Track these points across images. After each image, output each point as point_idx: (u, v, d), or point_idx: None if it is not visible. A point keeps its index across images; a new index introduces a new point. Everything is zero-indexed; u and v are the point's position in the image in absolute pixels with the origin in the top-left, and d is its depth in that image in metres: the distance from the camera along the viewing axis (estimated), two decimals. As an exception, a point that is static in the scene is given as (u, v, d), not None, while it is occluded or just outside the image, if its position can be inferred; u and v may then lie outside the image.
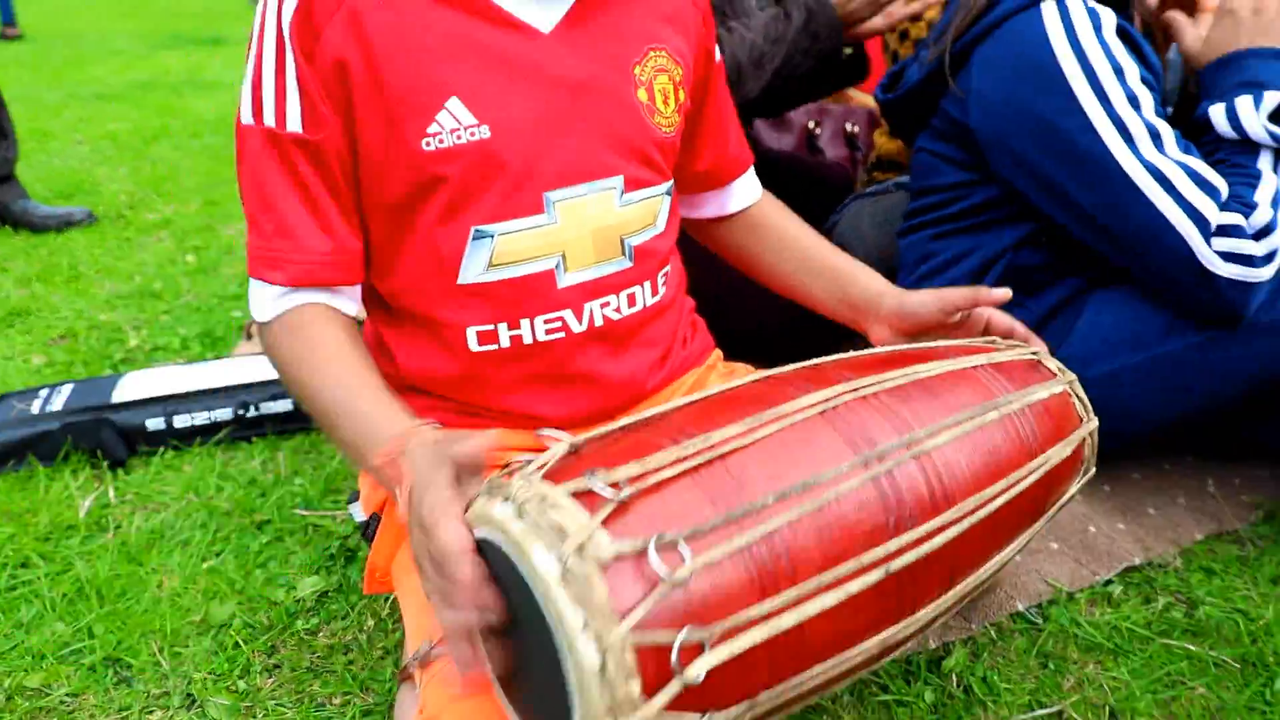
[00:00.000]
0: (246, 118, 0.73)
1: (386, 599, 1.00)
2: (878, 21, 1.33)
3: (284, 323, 0.75)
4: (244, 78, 0.73)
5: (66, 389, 1.33)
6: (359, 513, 1.00)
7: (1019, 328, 0.86)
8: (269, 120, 0.72)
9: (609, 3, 0.78)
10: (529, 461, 0.59)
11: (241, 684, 0.89)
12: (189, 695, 0.88)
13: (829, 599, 0.57)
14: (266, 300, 0.75)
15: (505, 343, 0.79)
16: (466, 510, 0.57)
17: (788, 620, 0.55)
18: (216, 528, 1.12)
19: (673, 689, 0.51)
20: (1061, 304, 1.19)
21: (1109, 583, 1.05)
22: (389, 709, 0.86)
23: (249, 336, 1.64)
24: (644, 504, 0.55)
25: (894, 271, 1.33)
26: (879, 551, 0.59)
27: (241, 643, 0.94)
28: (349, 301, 0.79)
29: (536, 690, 0.58)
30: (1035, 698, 0.89)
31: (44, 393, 1.32)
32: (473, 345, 0.79)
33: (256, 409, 1.31)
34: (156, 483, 1.22)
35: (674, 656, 0.51)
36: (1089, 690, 0.90)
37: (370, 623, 0.97)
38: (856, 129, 1.92)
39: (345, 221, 0.76)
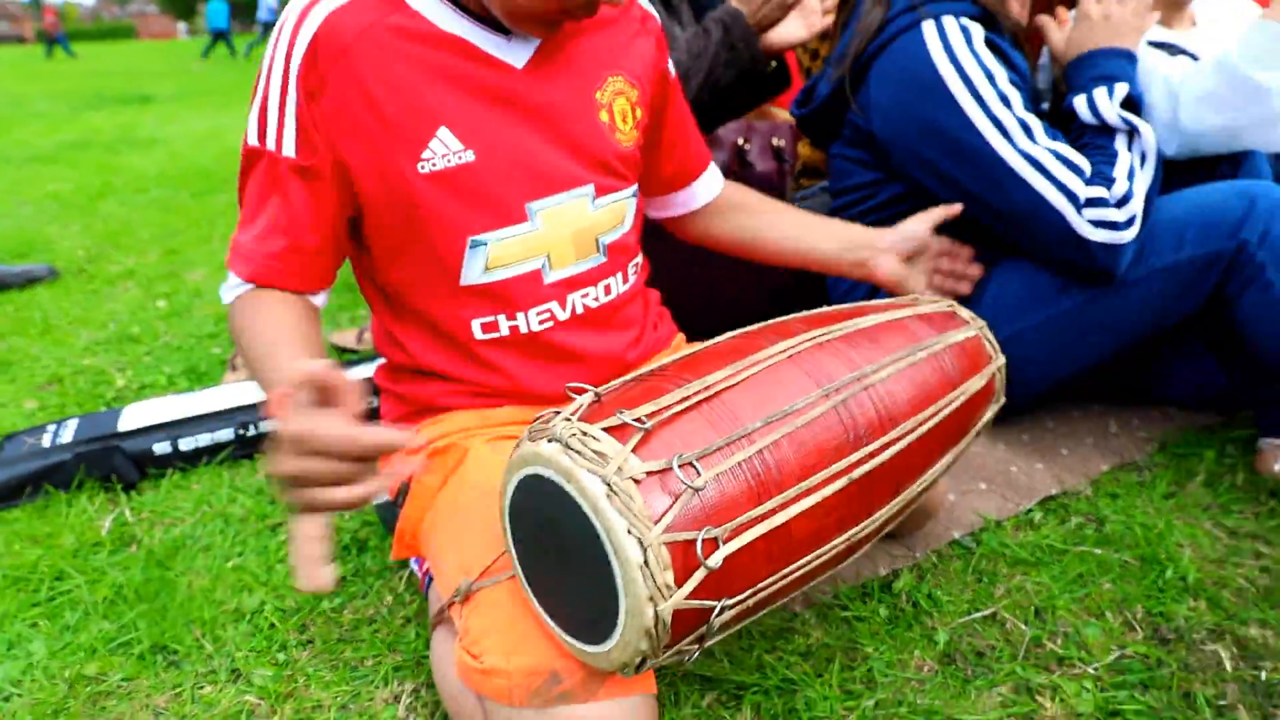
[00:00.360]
0: (252, 139, 0.85)
1: (401, 575, 1.12)
2: (798, 31, 1.48)
3: (241, 299, 0.86)
4: (252, 105, 0.85)
5: (72, 423, 1.42)
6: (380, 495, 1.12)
7: (957, 248, 1.11)
8: (270, 144, 0.84)
9: (570, 40, 0.93)
10: (557, 413, 0.73)
11: (280, 656, 0.99)
12: (234, 670, 0.98)
13: (808, 502, 0.71)
14: (231, 288, 0.87)
15: (505, 331, 0.93)
16: (511, 454, 0.71)
17: (779, 519, 0.70)
18: (234, 533, 1.22)
19: (699, 576, 0.65)
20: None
21: (1030, 511, 1.22)
22: (415, 664, 0.98)
23: (234, 368, 1.74)
24: (662, 433, 0.69)
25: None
26: (843, 463, 0.74)
27: (275, 623, 1.04)
28: (312, 297, 0.90)
29: (576, 602, 0.71)
30: (973, 605, 1.04)
31: (51, 428, 1.41)
32: (477, 335, 0.93)
33: (256, 428, 1.41)
34: (169, 500, 1.31)
35: (698, 549, 0.65)
36: (1017, 595, 1.06)
37: (389, 598, 1.09)
38: (782, 143, 2.10)
39: (315, 236, 0.87)
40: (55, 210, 3.51)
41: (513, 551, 0.78)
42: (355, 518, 1.24)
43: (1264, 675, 0.93)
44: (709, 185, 1.16)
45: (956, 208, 1.12)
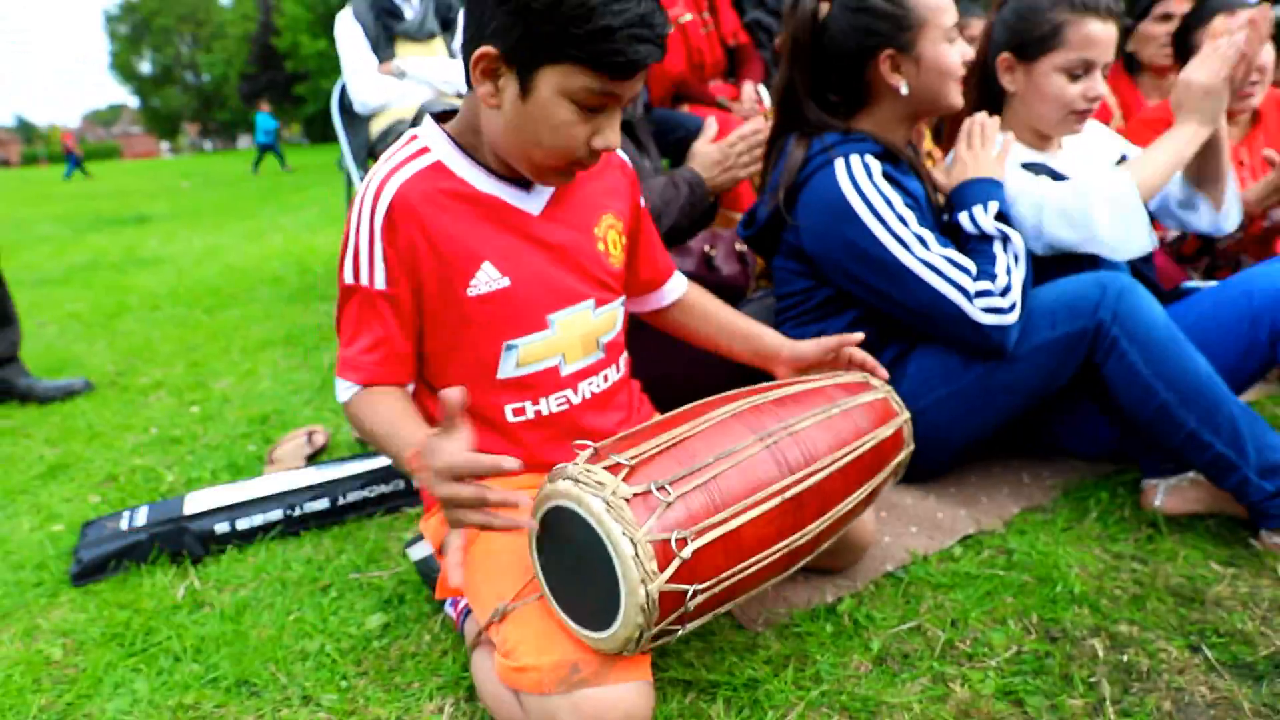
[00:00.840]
0: (349, 279, 1.14)
1: (435, 620, 1.35)
2: (729, 183, 1.87)
3: (356, 400, 1.15)
4: (345, 252, 1.14)
5: (143, 509, 1.66)
6: (418, 552, 1.37)
7: (868, 359, 1.33)
8: (364, 281, 1.13)
9: (572, 192, 1.23)
10: (566, 465, 1.00)
11: (342, 684, 1.22)
12: (305, 696, 1.20)
13: (752, 514, 0.99)
14: (345, 389, 1.15)
15: (530, 415, 1.21)
16: (538, 494, 0.99)
17: (731, 525, 0.97)
18: (291, 594, 1.45)
19: (675, 564, 0.92)
20: (893, 361, 1.66)
21: (951, 547, 1.48)
22: (454, 683, 1.21)
23: (271, 462, 1.99)
24: (643, 469, 0.97)
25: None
26: (776, 486, 1.02)
27: (336, 659, 1.27)
28: (406, 388, 1.20)
29: (588, 599, 0.97)
30: (901, 620, 1.29)
31: (126, 514, 1.65)
32: (509, 418, 1.21)
33: (301, 509, 1.66)
34: (231, 570, 1.55)
35: (674, 545, 0.92)
36: (937, 611, 1.30)
37: (428, 637, 1.32)
38: (744, 249, 2.43)
39: (406, 344, 1.17)
40: (78, 329, 3.77)
41: (540, 573, 1.03)
42: (394, 577, 1.48)
43: (1126, 658, 1.18)
44: (675, 288, 1.46)
45: (854, 337, 1.32)
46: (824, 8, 1.60)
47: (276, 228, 6.75)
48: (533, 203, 1.19)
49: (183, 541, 1.57)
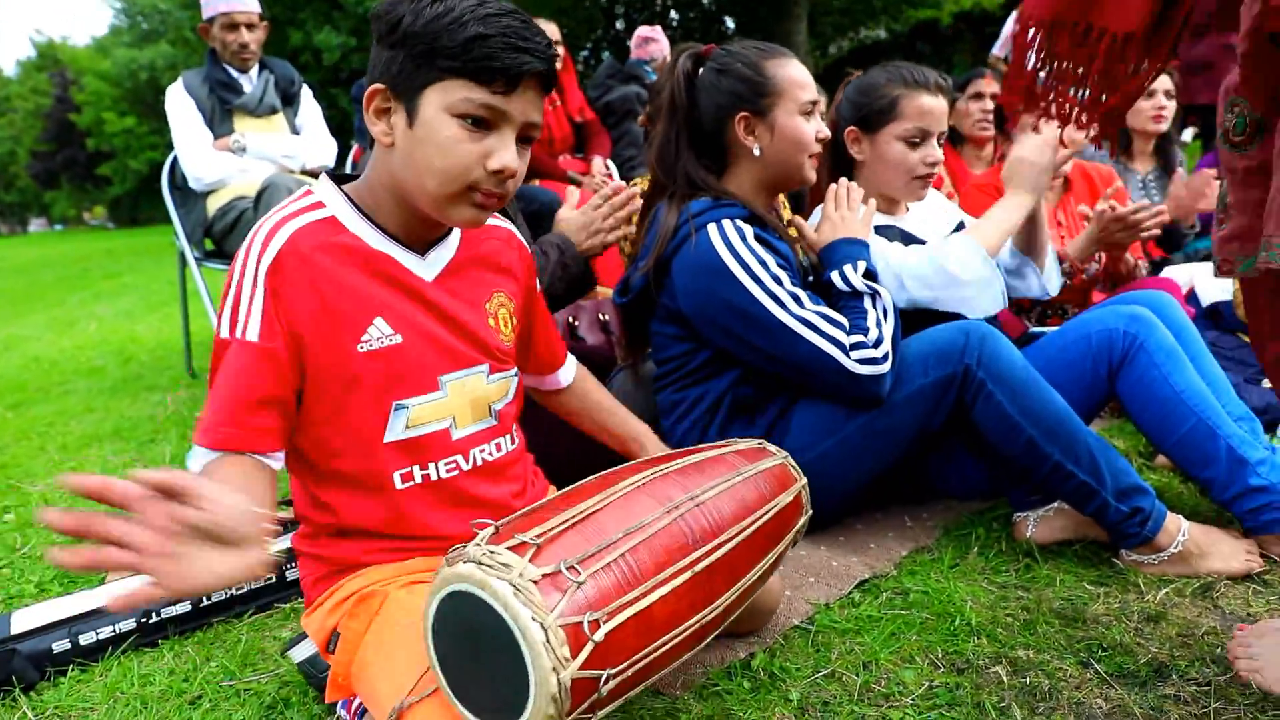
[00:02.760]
0: (224, 334, 1.05)
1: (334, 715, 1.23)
2: (599, 249, 1.89)
3: (207, 470, 1.01)
4: (224, 304, 1.05)
5: (-40, 634, 1.43)
6: (300, 653, 1.25)
7: None
8: (238, 334, 1.04)
9: (466, 267, 1.20)
10: (464, 545, 0.94)
11: (227, 808, 1.09)
12: (183, 827, 1.06)
13: (663, 590, 0.96)
14: (199, 457, 1.03)
15: (419, 480, 1.14)
16: (434, 579, 0.91)
17: (643, 604, 0.93)
18: (154, 712, 1.29)
19: (588, 649, 0.87)
20: (777, 417, 1.71)
21: (850, 593, 1.51)
22: (359, 791, 1.10)
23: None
24: (550, 548, 0.93)
25: (657, 417, 1.81)
26: (686, 560, 0.99)
27: (216, 780, 1.13)
28: (269, 459, 1.06)
29: (493, 691, 0.90)
30: (815, 669, 1.29)
31: (-61, 642, 1.41)
32: (397, 485, 1.13)
33: (158, 615, 1.49)
34: (76, 695, 1.35)
35: (586, 628, 0.87)
36: (848, 656, 1.32)
37: (320, 742, 1.20)
38: (607, 317, 2.45)
39: (274, 410, 1.05)
40: None
41: (436, 665, 0.95)
42: (274, 680, 1.34)
43: (1028, 680, 1.23)
44: (567, 374, 1.47)
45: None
46: (697, 68, 1.70)
47: (90, 316, 6.21)
48: (426, 269, 1.16)
49: (11, 666, 1.36)
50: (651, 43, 4.68)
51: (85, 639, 1.44)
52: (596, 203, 1.85)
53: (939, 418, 1.60)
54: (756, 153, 1.67)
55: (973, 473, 1.80)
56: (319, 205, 1.11)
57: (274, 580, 1.60)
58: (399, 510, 1.15)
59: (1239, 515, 1.60)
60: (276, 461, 1.08)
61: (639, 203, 1.84)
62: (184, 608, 1.51)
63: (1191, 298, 2.72)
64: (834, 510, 1.71)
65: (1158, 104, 3.06)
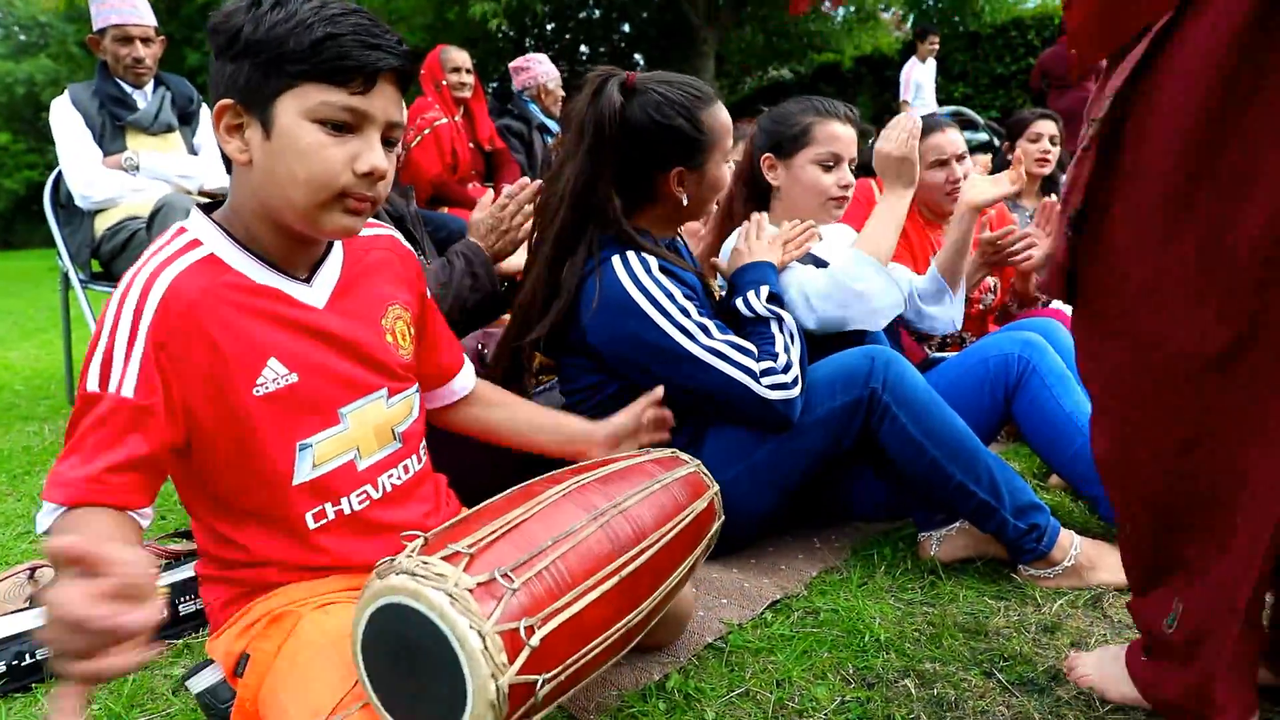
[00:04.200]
0: (92, 386, 0.97)
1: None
2: (520, 259, 1.85)
3: (57, 527, 0.94)
4: (93, 355, 0.98)
5: None
6: (202, 682, 1.18)
7: (666, 413, 1.37)
8: (110, 388, 0.96)
9: (356, 284, 1.17)
10: (393, 558, 0.91)
11: None
12: None
13: (593, 595, 0.95)
14: (47, 515, 0.95)
15: (332, 516, 1.10)
16: (363, 592, 0.88)
17: (575, 608, 0.93)
18: (25, 761, 1.19)
19: (524, 654, 0.86)
20: (688, 442, 1.71)
21: (763, 614, 1.52)
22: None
23: (-18, 606, 1.64)
24: (483, 556, 0.91)
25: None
26: (613, 565, 0.99)
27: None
28: (136, 517, 0.99)
29: (428, 705, 0.88)
30: (729, 688, 1.29)
31: None
32: (310, 524, 1.09)
33: (32, 656, 1.38)
34: (-66, 746, 1.24)
35: (522, 633, 0.86)
36: (761, 675, 1.33)
37: (215, 785, 1.13)
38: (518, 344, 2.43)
39: (139, 467, 0.97)
40: None
41: (366, 680, 0.92)
42: (180, 710, 1.26)
43: (935, 692, 1.26)
44: (464, 382, 1.40)
45: (656, 392, 1.40)
46: (622, 103, 1.61)
47: (-43, 343, 5.79)
48: (315, 295, 1.12)
49: None
50: (523, 72, 4.71)
51: (-53, 685, 1.32)
52: (503, 202, 1.83)
53: (847, 440, 1.64)
54: (684, 202, 1.66)
55: (878, 494, 1.85)
56: (195, 244, 1.06)
57: (164, 616, 1.51)
58: (313, 546, 1.10)
59: (1124, 530, 1.69)
60: (145, 519, 1.01)
61: None
62: (62, 648, 1.40)
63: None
64: (745, 533, 1.72)
65: (1043, 148, 3.27)
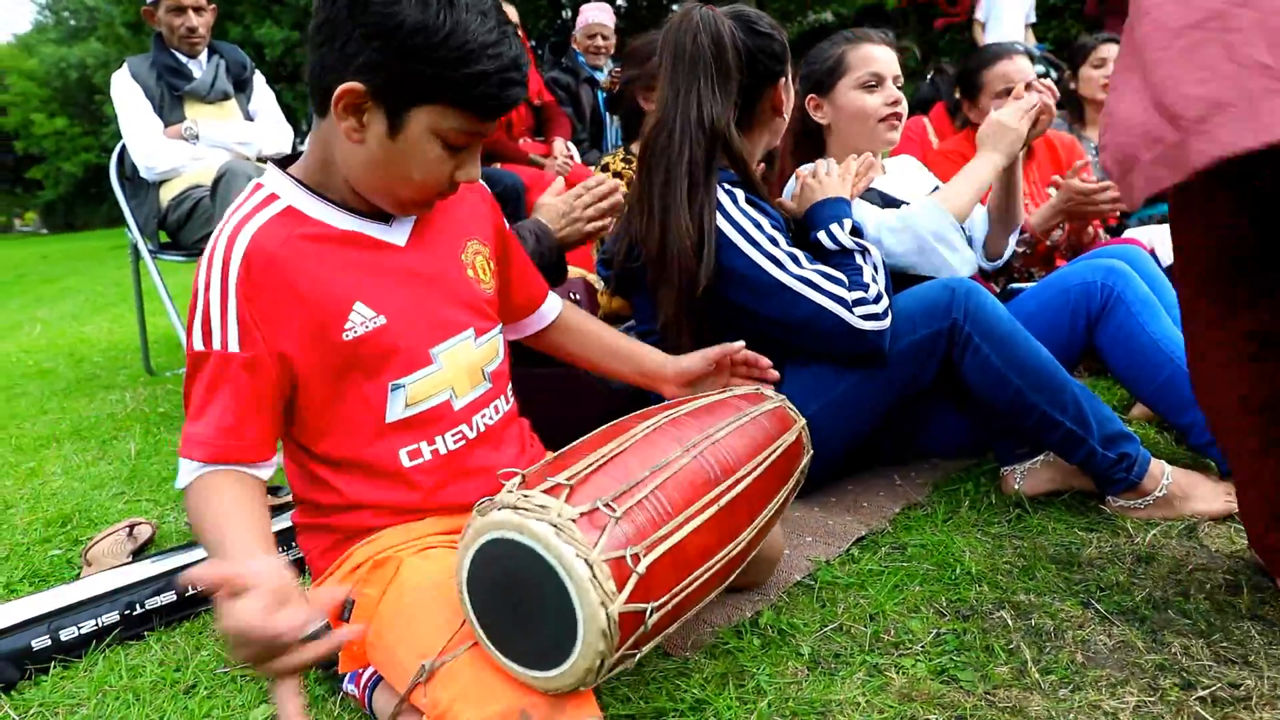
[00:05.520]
0: (198, 345, 1.02)
1: (333, 703, 1.20)
2: (578, 237, 1.85)
3: (194, 486, 1.01)
4: (194, 315, 1.02)
5: (-68, 635, 1.36)
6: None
7: (759, 357, 1.35)
8: (215, 345, 1.01)
9: (433, 220, 1.18)
10: (492, 496, 0.92)
11: (236, 792, 1.05)
12: (191, 814, 1.02)
13: (694, 524, 0.95)
14: (187, 471, 1.01)
15: (427, 456, 1.12)
16: (464, 532, 0.90)
17: (677, 537, 0.93)
18: (148, 704, 1.24)
19: (632, 581, 0.86)
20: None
21: (849, 550, 1.51)
22: (372, 767, 1.07)
23: (88, 563, 1.72)
24: (581, 489, 0.92)
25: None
26: (710, 494, 0.99)
27: (221, 765, 1.09)
28: (259, 469, 1.05)
29: (536, 638, 0.89)
30: (823, 623, 1.29)
31: (-93, 645, 1.35)
32: (405, 463, 1.11)
33: (142, 606, 1.43)
34: (61, 692, 1.30)
35: (629, 561, 0.86)
36: (854, 610, 1.32)
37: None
38: (578, 297, 2.43)
39: (263, 416, 1.04)
40: None
41: (473, 618, 0.94)
42: (270, 664, 1.30)
43: (1033, 622, 1.24)
44: (552, 308, 1.43)
45: (734, 346, 1.35)
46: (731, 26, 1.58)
47: (33, 320, 5.98)
48: (396, 235, 1.13)
49: (-8, 665, 1.31)
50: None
51: (66, 634, 1.38)
52: (579, 192, 1.82)
53: (928, 373, 1.61)
54: (784, 118, 1.67)
55: (957, 429, 1.82)
56: (273, 198, 1.08)
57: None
58: (407, 485, 1.12)
59: (1215, 459, 1.64)
60: (267, 470, 1.06)
61: (620, 198, 1.78)
62: (169, 598, 1.46)
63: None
64: (826, 471, 1.71)
65: (1108, 73, 3.13)
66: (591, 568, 0.84)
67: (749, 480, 1.07)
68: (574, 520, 0.87)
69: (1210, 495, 1.56)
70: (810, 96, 1.98)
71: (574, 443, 1.06)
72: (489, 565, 0.91)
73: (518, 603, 0.90)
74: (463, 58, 0.96)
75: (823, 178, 1.70)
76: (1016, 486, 1.66)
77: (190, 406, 1.04)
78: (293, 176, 1.09)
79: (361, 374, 1.09)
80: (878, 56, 1.91)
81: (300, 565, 1.55)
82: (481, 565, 0.92)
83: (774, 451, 1.14)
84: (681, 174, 1.53)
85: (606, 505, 0.90)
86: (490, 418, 1.19)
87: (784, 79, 1.65)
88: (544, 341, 1.44)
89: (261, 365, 1.02)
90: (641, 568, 0.88)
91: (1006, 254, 2.09)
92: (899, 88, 1.92)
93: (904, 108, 1.92)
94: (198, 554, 1.55)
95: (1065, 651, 1.18)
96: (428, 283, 1.14)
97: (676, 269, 1.53)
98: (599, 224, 1.81)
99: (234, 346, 1.01)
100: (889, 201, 1.90)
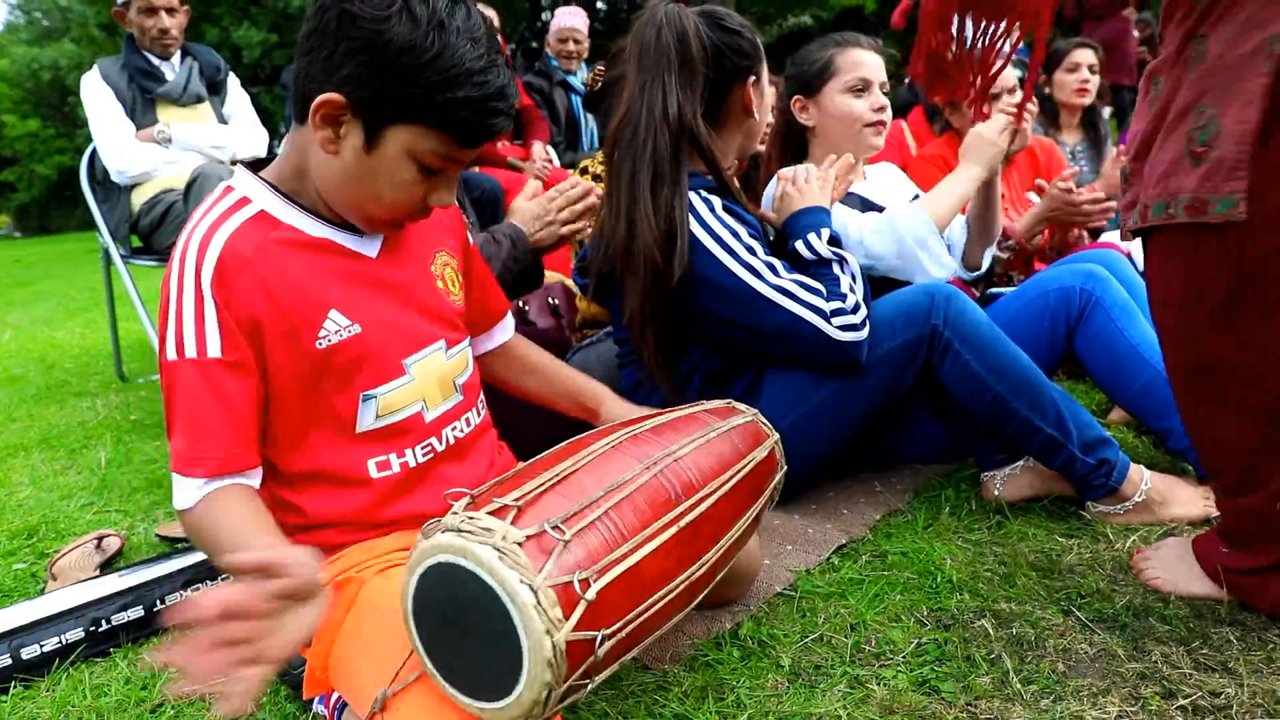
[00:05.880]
0: (171, 355, 0.98)
1: (309, 712, 1.17)
2: (551, 243, 1.83)
3: (206, 502, 0.98)
4: (167, 324, 0.99)
5: (-111, 655, 1.32)
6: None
7: None
8: (191, 353, 0.98)
9: (404, 233, 1.15)
10: (440, 518, 0.90)
11: (202, 815, 1.02)
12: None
13: (650, 546, 0.93)
14: (190, 490, 0.98)
15: (396, 468, 1.09)
16: (410, 555, 0.87)
17: (631, 560, 0.90)
18: (111, 723, 1.21)
19: (580, 608, 0.83)
20: (747, 390, 1.68)
21: (829, 558, 1.50)
22: (343, 788, 1.04)
23: (53, 578, 1.67)
24: (531, 509, 0.89)
25: (623, 396, 1.77)
26: (670, 515, 0.97)
27: (187, 788, 1.06)
28: (254, 477, 1.04)
29: (483, 666, 0.86)
30: (803, 634, 1.28)
31: None
32: (373, 474, 1.08)
33: (109, 622, 1.40)
34: (19, 714, 1.26)
35: (577, 587, 0.83)
36: (834, 620, 1.31)
37: (297, 741, 1.14)
38: (557, 301, 2.41)
39: (252, 420, 1.02)
40: None
41: (419, 647, 0.90)
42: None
43: (1014, 631, 1.23)
44: (503, 331, 1.39)
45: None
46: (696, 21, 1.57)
47: (2, 325, 5.87)
48: (368, 246, 1.11)
49: (-49, 685, 1.27)
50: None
51: (27, 653, 1.34)
52: (552, 195, 1.80)
53: (908, 380, 1.60)
54: (756, 117, 1.64)
55: (937, 435, 1.82)
56: (245, 201, 1.05)
57: (229, 580, 1.52)
58: (374, 500, 1.10)
59: (1193, 463, 1.64)
60: (257, 478, 1.04)
61: (595, 200, 1.77)
62: (137, 613, 1.42)
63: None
64: (805, 478, 1.69)
65: (1081, 78, 3.15)
66: (536, 594, 0.81)
67: (714, 499, 1.04)
68: (520, 544, 0.83)
69: (1188, 500, 1.56)
70: (796, 98, 1.97)
71: (530, 460, 1.04)
72: (433, 590, 0.88)
73: (464, 631, 0.86)
74: (447, 81, 0.94)
75: (802, 185, 1.69)
76: (996, 492, 1.65)
77: (176, 419, 0.99)
78: (265, 180, 1.07)
79: (332, 384, 1.06)
80: (866, 62, 1.90)
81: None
82: (426, 591, 0.88)
83: (742, 469, 1.12)
84: (645, 166, 1.52)
85: (554, 528, 0.87)
86: (461, 430, 1.17)
87: (754, 78, 1.62)
88: (491, 372, 1.38)
89: (246, 368, 1.00)
90: (591, 594, 0.85)
91: (985, 264, 2.09)
92: (885, 94, 1.92)
93: (889, 115, 1.92)
94: (168, 567, 1.52)
95: (1047, 661, 1.17)
96: (399, 293, 1.12)
97: (642, 261, 1.52)
98: (574, 226, 1.78)
99: (214, 352, 0.98)
100: (869, 207, 1.89)
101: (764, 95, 1.66)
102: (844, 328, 1.52)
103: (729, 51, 1.59)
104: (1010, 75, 2.35)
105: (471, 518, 0.86)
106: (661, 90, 1.53)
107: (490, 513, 0.87)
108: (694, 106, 1.54)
